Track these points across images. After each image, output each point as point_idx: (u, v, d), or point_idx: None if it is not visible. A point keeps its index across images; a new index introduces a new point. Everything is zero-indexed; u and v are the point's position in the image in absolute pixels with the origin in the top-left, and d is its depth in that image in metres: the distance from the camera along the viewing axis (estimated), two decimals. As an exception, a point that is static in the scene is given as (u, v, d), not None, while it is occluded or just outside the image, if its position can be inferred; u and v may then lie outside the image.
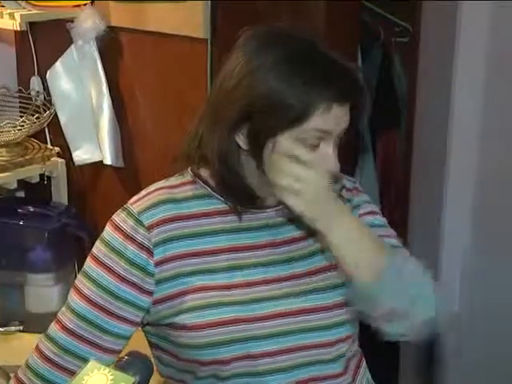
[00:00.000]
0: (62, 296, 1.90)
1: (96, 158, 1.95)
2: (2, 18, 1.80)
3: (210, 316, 1.21)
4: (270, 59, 1.15)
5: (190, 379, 1.27)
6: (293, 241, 1.30)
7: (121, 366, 1.02)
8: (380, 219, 1.41)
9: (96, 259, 1.23)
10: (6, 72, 2.12)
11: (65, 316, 1.22)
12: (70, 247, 1.96)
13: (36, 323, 1.80)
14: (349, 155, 2.12)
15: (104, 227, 1.90)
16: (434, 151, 2.23)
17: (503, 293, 2.13)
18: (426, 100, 2.15)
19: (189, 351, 1.22)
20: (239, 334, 1.22)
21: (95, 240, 1.86)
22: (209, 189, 1.23)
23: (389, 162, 2.42)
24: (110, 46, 1.89)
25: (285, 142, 1.17)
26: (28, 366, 1.22)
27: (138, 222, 1.21)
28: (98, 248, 1.24)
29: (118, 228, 1.23)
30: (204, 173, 1.24)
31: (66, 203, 2.06)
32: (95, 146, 1.95)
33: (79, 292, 1.22)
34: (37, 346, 1.23)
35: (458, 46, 2.11)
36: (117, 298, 1.21)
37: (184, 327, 1.21)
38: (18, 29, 1.79)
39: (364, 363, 1.39)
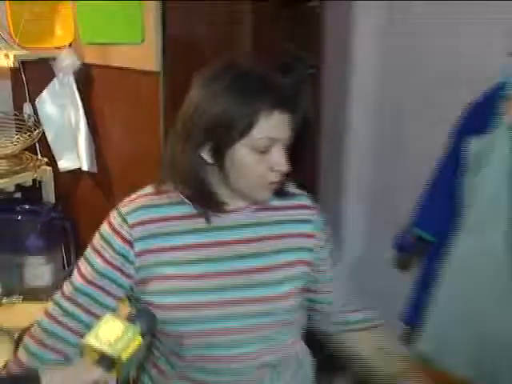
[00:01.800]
0: (53, 273, 2.11)
1: (76, 166, 2.16)
2: (-1, 57, 1.95)
3: (175, 299, 1.35)
4: (216, 88, 1.28)
5: (155, 346, 1.45)
6: (247, 241, 1.40)
7: (130, 319, 1.22)
8: (329, 247, 1.52)
9: (92, 246, 1.39)
10: (3, 100, 2.26)
11: (67, 287, 1.38)
12: (57, 236, 2.16)
13: (32, 295, 2.03)
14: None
15: (82, 220, 2.17)
16: (335, 155, 2.57)
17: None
18: (329, 117, 2.45)
19: (158, 324, 1.34)
20: (200, 314, 1.35)
21: (76, 230, 2.15)
22: (182, 197, 1.35)
23: (306, 164, 2.60)
24: (85, 77, 2.11)
25: (240, 151, 1.29)
26: (37, 323, 1.38)
27: (124, 220, 1.35)
28: (95, 238, 1.39)
29: (109, 223, 1.37)
30: (178, 184, 1.36)
31: (54, 201, 2.25)
32: (75, 156, 2.15)
33: (79, 270, 1.38)
34: (46, 308, 1.38)
35: (353, 76, 2.49)
36: (103, 276, 1.36)
37: (152, 304, 1.35)
38: (12, 66, 1.94)
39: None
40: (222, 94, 1.27)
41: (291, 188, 1.45)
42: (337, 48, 2.39)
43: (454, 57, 2.24)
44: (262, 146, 1.27)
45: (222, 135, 1.27)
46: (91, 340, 1.20)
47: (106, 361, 1.19)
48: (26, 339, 1.40)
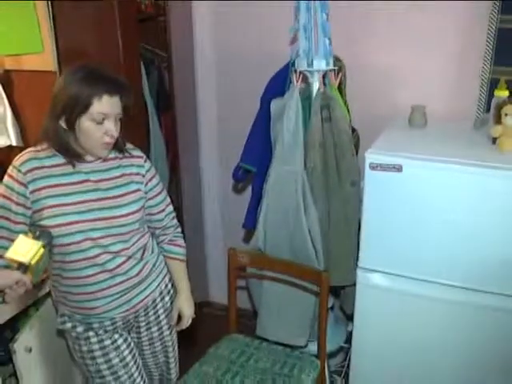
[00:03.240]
0: None
1: (8, 143, 2.58)
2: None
3: (59, 220, 1.75)
4: (70, 79, 1.68)
5: (54, 256, 1.84)
6: (102, 180, 1.83)
7: (35, 237, 1.62)
8: (157, 178, 1.99)
9: (1, 194, 1.77)
10: None
11: None
12: None
13: None
14: (144, 127, 2.70)
15: None
16: (188, 121, 3.13)
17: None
18: (181, 95, 2.98)
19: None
20: (76, 229, 1.77)
21: None
22: (54, 151, 1.77)
23: (168, 128, 2.99)
24: (6, 79, 2.53)
25: (84, 122, 1.69)
26: None
27: (19, 170, 1.74)
28: (1, 188, 1.77)
29: (9, 175, 1.76)
30: (50, 143, 1.76)
31: None
32: (6, 136, 2.56)
33: None
34: None
35: (194, 65, 3.05)
36: (14, 212, 1.77)
37: (46, 226, 1.74)
38: None
39: (151, 246, 2.03)
40: (72, 83, 1.68)
41: (128, 145, 1.95)
42: (181, 46, 2.96)
43: (257, 47, 2.92)
44: (98, 119, 1.69)
45: (71, 111, 1.67)
46: (11, 254, 1.57)
47: (22, 267, 1.56)
48: None
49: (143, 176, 1.94)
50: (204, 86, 3.13)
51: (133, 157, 1.94)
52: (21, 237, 1.58)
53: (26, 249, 1.55)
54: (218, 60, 3.05)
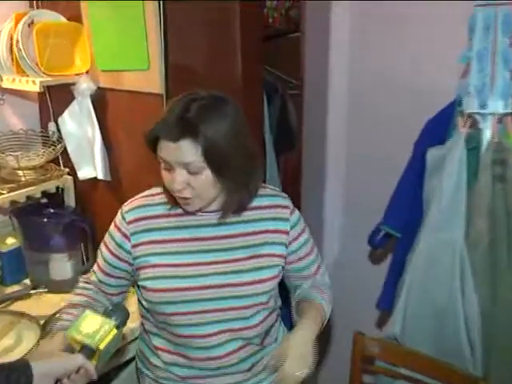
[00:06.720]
0: (73, 268, 2.28)
1: (92, 175, 2.35)
2: (28, 83, 2.17)
3: (162, 284, 1.53)
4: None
5: (151, 321, 1.63)
6: (221, 237, 1.56)
7: (107, 313, 1.39)
8: (306, 233, 1.67)
9: (103, 240, 1.63)
10: (32, 119, 2.50)
11: (90, 276, 1.65)
12: (77, 235, 2.32)
13: (56, 287, 2.22)
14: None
15: (99, 222, 2.29)
16: (315, 165, 2.80)
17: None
18: (309, 131, 2.68)
19: (148, 304, 1.57)
20: (183, 297, 1.52)
21: (94, 230, 2.30)
22: (168, 199, 1.55)
23: (288, 172, 2.73)
24: (99, 99, 2.29)
25: (160, 163, 1.48)
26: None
27: (124, 218, 1.56)
28: (107, 233, 1.62)
29: (114, 221, 1.60)
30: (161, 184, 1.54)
31: (74, 206, 2.48)
32: (92, 166, 2.33)
33: (96, 262, 1.65)
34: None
35: (327, 97, 2.73)
36: (111, 265, 1.59)
37: (145, 288, 1.55)
38: (38, 90, 2.17)
39: (278, 319, 1.69)
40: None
41: (269, 189, 1.61)
42: (313, 71, 2.62)
43: (414, 79, 2.48)
44: (163, 164, 1.46)
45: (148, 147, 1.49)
46: (73, 333, 1.35)
47: (87, 350, 1.33)
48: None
49: (287, 233, 1.59)
50: (335, 123, 2.73)
51: (273, 207, 1.59)
52: (87, 313, 1.38)
53: (94, 328, 1.34)
54: (357, 92, 2.65)
